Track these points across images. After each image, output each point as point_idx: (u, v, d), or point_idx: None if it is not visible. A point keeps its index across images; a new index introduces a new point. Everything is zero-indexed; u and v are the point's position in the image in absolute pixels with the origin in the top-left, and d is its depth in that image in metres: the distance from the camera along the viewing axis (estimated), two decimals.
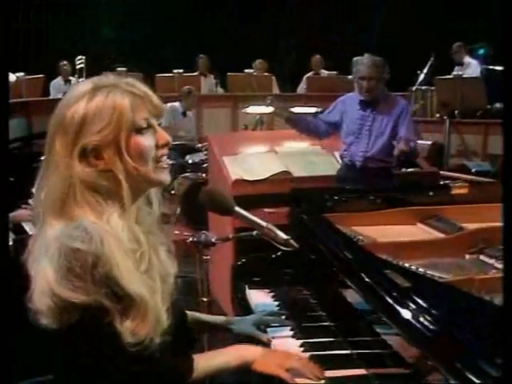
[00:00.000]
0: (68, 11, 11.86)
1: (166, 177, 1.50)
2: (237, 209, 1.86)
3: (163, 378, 1.48)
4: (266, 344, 1.79)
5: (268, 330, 1.90)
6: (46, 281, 1.32)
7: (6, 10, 2.01)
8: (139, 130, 1.43)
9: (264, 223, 1.86)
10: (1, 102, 1.83)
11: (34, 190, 4.04)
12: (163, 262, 1.51)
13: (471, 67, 8.44)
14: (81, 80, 9.77)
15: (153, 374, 1.43)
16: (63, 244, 1.32)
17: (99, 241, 1.32)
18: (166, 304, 1.46)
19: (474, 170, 6.08)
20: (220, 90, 10.27)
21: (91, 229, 1.34)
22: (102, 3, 12.64)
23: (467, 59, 8.63)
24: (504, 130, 1.32)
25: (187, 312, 1.79)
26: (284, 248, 1.86)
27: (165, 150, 1.49)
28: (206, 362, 1.57)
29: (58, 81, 9.97)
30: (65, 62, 9.86)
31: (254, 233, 1.91)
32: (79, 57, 9.60)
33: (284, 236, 1.85)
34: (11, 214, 3.77)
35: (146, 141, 1.45)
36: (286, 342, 1.82)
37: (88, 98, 1.41)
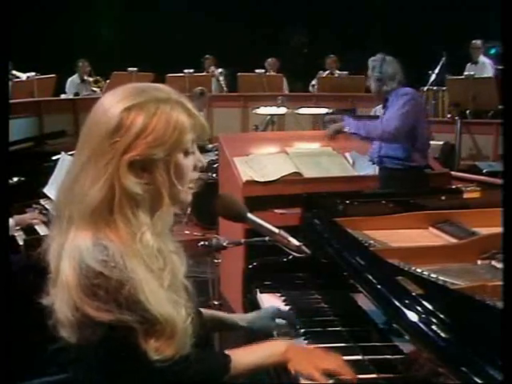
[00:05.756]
0: (74, 11, 11.90)
1: (189, 198, 1.51)
2: (249, 215, 1.86)
3: (203, 374, 1.47)
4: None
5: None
6: (68, 293, 1.32)
7: (8, 9, 2.02)
8: (186, 152, 1.44)
9: (276, 230, 1.85)
10: (1, 102, 1.84)
11: (44, 190, 4.05)
12: (174, 263, 1.51)
13: (486, 67, 8.42)
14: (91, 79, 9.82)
15: (193, 371, 1.43)
16: (87, 264, 1.30)
17: (123, 265, 1.31)
18: (191, 314, 1.46)
19: (485, 171, 6.05)
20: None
21: (114, 252, 1.32)
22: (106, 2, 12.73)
23: (482, 58, 8.61)
24: (504, 130, 1.31)
25: (204, 310, 1.79)
26: (296, 254, 1.86)
27: (197, 173, 1.50)
28: (241, 359, 1.54)
29: (75, 78, 9.99)
30: (82, 60, 9.88)
31: (267, 238, 1.91)
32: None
33: (296, 242, 1.84)
34: (16, 217, 3.79)
35: (189, 162, 1.46)
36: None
37: (150, 109, 1.38)
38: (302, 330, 1.91)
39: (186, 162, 1.44)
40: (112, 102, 1.40)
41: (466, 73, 8.18)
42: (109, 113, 1.38)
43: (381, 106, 4.60)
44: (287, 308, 2.11)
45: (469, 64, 8.64)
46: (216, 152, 6.22)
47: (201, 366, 1.46)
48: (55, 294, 1.37)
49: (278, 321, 1.87)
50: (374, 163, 4.32)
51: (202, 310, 1.77)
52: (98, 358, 1.35)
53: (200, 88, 7.51)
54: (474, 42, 8.61)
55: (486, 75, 8.14)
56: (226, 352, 1.55)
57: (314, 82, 10.22)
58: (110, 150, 1.35)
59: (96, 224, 1.36)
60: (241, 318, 1.91)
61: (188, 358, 1.41)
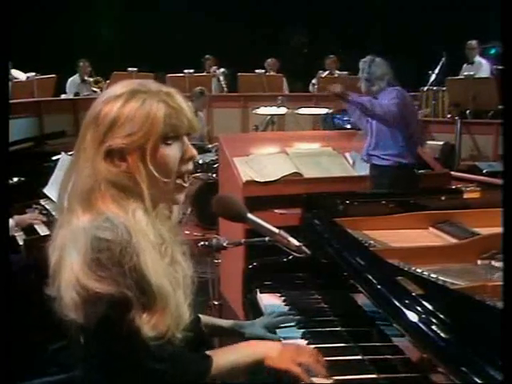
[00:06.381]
0: (74, 11, 11.90)
1: (181, 198, 1.52)
2: (249, 216, 1.86)
3: (184, 375, 1.48)
4: None
5: (278, 331, 1.90)
6: (72, 273, 1.34)
7: (8, 9, 2.02)
8: (167, 142, 1.44)
9: (276, 230, 1.85)
10: (1, 102, 1.85)
11: (44, 190, 4.06)
12: (179, 259, 1.53)
13: (483, 67, 8.43)
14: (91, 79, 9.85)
15: (174, 371, 1.44)
16: (91, 235, 1.33)
17: (126, 231, 1.34)
18: (188, 299, 1.49)
19: (485, 171, 6.06)
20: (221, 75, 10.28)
21: (118, 221, 1.35)
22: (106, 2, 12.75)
23: (477, 58, 8.63)
24: (504, 130, 1.31)
25: (200, 316, 1.80)
26: (296, 254, 1.86)
27: (189, 166, 1.50)
28: (220, 359, 1.56)
29: (75, 78, 9.99)
30: (83, 61, 9.88)
31: (267, 239, 1.91)
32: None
33: (296, 243, 1.84)
34: (16, 217, 3.79)
35: (172, 153, 1.45)
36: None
37: (124, 100, 1.41)
38: (302, 330, 1.91)
39: (167, 152, 1.44)
40: (98, 98, 1.47)
41: (463, 73, 8.19)
42: (92, 108, 1.45)
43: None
44: (287, 308, 2.11)
45: (465, 64, 8.66)
46: (216, 152, 6.23)
47: (183, 367, 1.47)
48: (60, 282, 1.37)
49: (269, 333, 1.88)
50: (365, 161, 4.44)
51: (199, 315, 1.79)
52: (99, 337, 1.35)
53: (199, 88, 7.51)
54: (469, 42, 8.63)
55: (482, 75, 8.14)
56: (207, 352, 1.57)
57: (314, 81, 10.23)
58: (90, 141, 1.42)
59: (93, 207, 1.40)
60: (235, 323, 1.92)
61: (175, 354, 1.43)
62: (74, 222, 1.39)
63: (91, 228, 1.34)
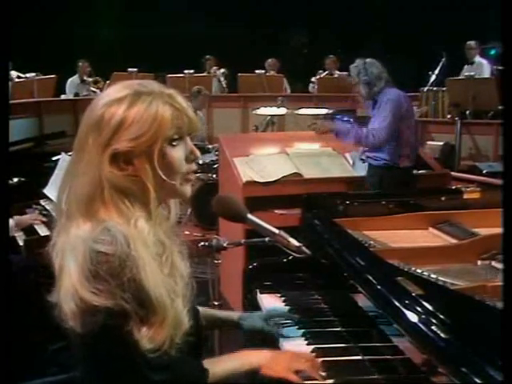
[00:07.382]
0: (74, 11, 11.91)
1: (189, 191, 1.51)
2: (249, 216, 1.86)
3: (183, 380, 1.48)
4: (276, 339, 1.83)
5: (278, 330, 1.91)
6: (71, 284, 1.33)
7: (8, 9, 2.02)
8: (172, 143, 1.43)
9: (276, 230, 1.85)
10: (1, 102, 1.85)
11: (44, 191, 4.06)
12: (179, 264, 1.52)
13: (483, 68, 8.43)
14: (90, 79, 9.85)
15: (173, 380, 1.43)
16: (89, 248, 1.32)
17: (125, 243, 1.32)
18: (187, 306, 1.48)
19: (485, 171, 6.06)
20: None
21: (117, 231, 1.33)
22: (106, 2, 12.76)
23: (478, 59, 8.63)
24: (504, 130, 1.31)
25: (199, 308, 1.79)
26: (296, 255, 1.86)
27: (193, 165, 1.50)
28: (215, 368, 1.57)
29: (75, 79, 9.99)
30: (83, 61, 9.89)
31: (267, 239, 1.91)
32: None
33: (296, 243, 1.84)
34: (16, 218, 3.79)
35: (177, 154, 1.44)
36: (298, 348, 1.82)
37: (129, 102, 1.39)
38: (302, 331, 1.91)
39: (173, 154, 1.44)
40: (97, 100, 1.44)
41: (463, 74, 8.18)
42: (93, 110, 1.42)
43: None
44: (287, 309, 2.11)
45: (466, 65, 8.66)
46: (216, 152, 6.23)
47: (182, 374, 1.47)
48: (59, 289, 1.37)
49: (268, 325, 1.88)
50: (362, 160, 4.47)
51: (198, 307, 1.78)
52: (97, 349, 1.35)
53: (197, 87, 7.50)
54: (468, 42, 8.63)
55: (483, 75, 8.15)
56: (204, 362, 1.57)
57: (313, 79, 10.22)
58: (94, 144, 1.38)
59: (94, 215, 1.38)
60: (234, 315, 1.93)
61: (173, 364, 1.43)
62: (73, 231, 1.38)
63: (89, 240, 1.32)
